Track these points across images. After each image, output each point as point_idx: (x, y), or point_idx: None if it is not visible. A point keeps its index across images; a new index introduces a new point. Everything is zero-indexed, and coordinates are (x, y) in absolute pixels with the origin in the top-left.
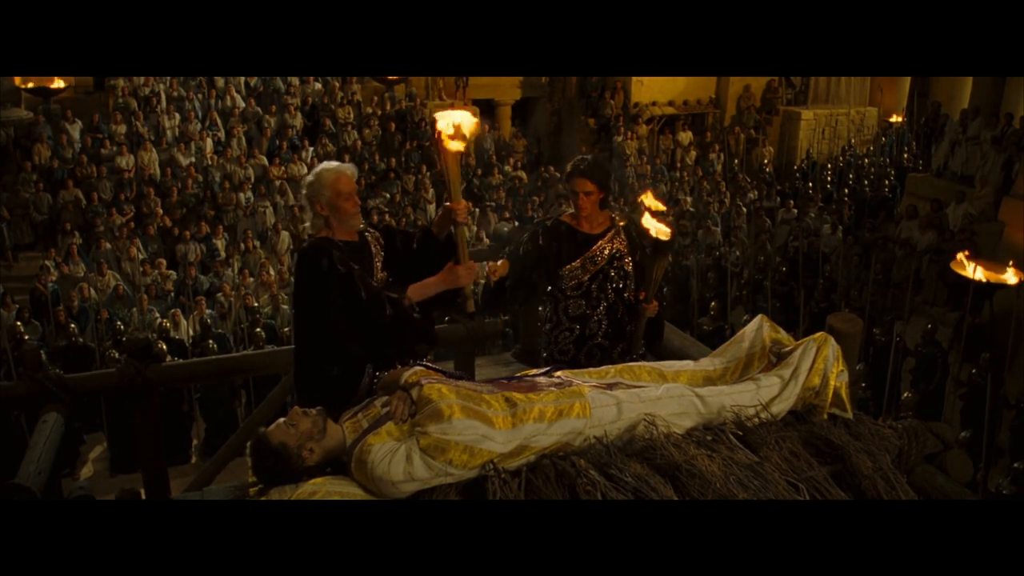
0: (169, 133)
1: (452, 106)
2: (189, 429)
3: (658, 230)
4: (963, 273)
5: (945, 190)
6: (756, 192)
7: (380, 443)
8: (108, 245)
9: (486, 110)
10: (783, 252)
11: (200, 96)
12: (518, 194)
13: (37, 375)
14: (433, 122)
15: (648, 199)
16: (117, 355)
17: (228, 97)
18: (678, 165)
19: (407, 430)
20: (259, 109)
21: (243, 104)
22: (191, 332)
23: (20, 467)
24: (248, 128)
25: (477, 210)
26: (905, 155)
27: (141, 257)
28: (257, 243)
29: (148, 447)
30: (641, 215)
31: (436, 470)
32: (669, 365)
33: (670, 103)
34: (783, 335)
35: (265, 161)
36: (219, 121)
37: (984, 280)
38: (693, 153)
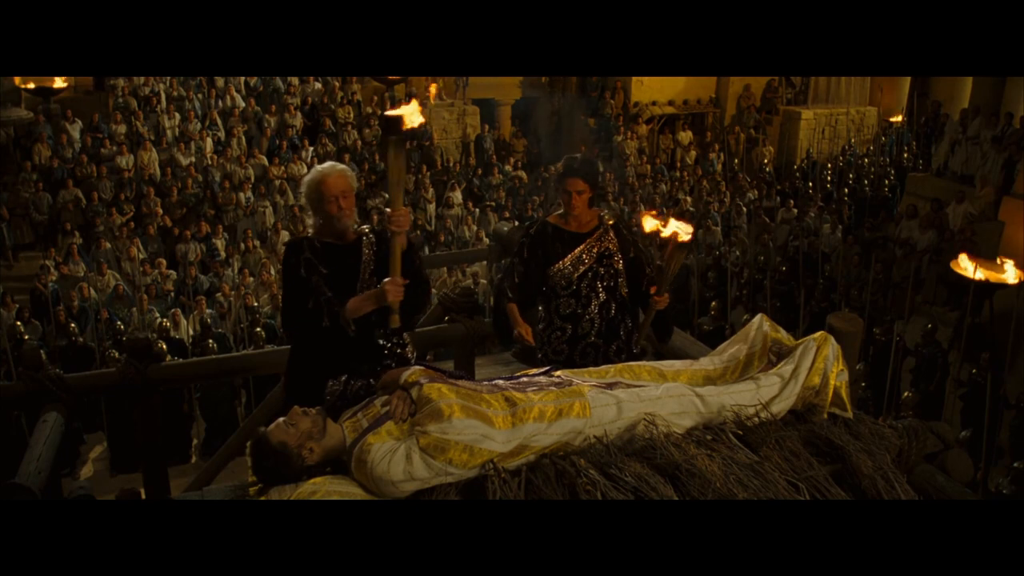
0: (169, 133)
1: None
2: (189, 429)
3: (682, 230)
4: (963, 273)
5: (945, 190)
6: (756, 192)
7: (380, 442)
8: (108, 245)
9: (486, 110)
10: (783, 252)
11: (200, 96)
12: (518, 194)
13: (37, 375)
14: (383, 119)
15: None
16: (117, 355)
17: (228, 97)
18: (678, 165)
19: (407, 429)
20: (259, 109)
21: (243, 104)
22: (191, 332)
23: (20, 467)
24: (248, 128)
25: (477, 210)
26: (905, 155)
27: (141, 257)
28: (257, 243)
29: (148, 447)
30: (665, 223)
31: (436, 469)
32: (669, 364)
33: (670, 103)
34: (783, 334)
35: (265, 161)
36: (219, 121)
37: (984, 280)
38: (693, 153)
